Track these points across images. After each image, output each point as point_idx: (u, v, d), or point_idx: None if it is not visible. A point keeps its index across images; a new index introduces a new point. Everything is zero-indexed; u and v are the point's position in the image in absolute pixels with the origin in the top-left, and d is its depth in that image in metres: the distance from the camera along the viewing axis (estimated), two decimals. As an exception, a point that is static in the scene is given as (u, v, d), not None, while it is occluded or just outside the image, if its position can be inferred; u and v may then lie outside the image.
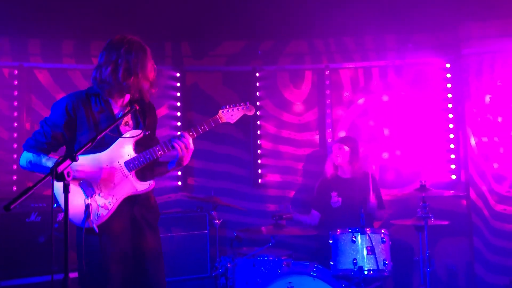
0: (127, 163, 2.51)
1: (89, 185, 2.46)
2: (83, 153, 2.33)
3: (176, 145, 2.53)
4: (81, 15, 4.33)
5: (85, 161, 2.45)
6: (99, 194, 2.46)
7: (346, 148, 4.38)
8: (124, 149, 2.51)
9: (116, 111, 2.57)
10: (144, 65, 2.49)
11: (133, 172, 2.52)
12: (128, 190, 2.51)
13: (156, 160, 2.62)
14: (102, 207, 2.45)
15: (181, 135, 2.56)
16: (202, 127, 2.60)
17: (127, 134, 2.51)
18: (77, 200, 2.44)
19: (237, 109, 2.71)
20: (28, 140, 2.52)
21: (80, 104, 2.50)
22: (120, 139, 2.49)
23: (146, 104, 2.65)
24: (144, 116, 2.60)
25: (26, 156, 2.50)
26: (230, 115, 2.69)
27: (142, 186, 2.53)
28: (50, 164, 2.40)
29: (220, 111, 2.68)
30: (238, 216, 4.80)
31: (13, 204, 1.67)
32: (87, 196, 2.45)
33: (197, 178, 5.02)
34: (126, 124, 2.58)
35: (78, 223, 2.42)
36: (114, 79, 2.44)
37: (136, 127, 2.59)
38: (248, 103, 2.75)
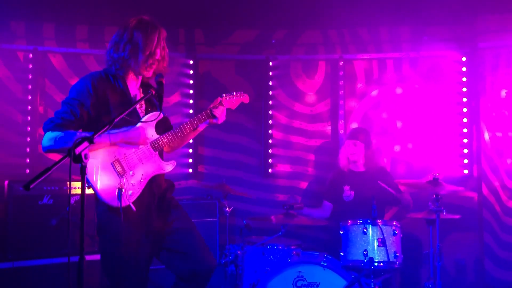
0: (152, 143, 2.60)
1: (119, 164, 2.51)
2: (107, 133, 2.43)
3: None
4: (95, 0, 4.33)
5: (122, 135, 2.53)
6: (130, 173, 2.53)
7: (360, 143, 4.34)
8: (147, 131, 2.60)
9: (132, 92, 2.63)
10: (150, 43, 2.52)
11: (157, 152, 2.63)
12: (155, 170, 2.62)
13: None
14: (133, 185, 2.52)
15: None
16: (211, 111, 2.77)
17: (146, 117, 2.59)
18: (110, 180, 2.47)
19: (236, 96, 2.95)
20: (54, 120, 2.45)
21: (102, 84, 2.55)
22: (141, 122, 2.57)
23: (162, 87, 2.66)
24: (160, 98, 2.60)
25: (53, 135, 2.40)
26: (231, 101, 2.91)
27: (167, 166, 2.67)
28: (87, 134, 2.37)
29: (223, 99, 2.88)
30: (248, 205, 4.81)
31: (33, 183, 1.69)
32: (119, 175, 2.49)
33: (208, 166, 5.03)
34: (141, 106, 2.65)
35: (112, 203, 2.45)
36: (118, 54, 2.52)
37: (150, 109, 2.66)
38: (241, 92, 3.00)
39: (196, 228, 2.79)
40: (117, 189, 2.44)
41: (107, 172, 2.47)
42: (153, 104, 2.67)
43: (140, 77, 2.65)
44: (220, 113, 2.77)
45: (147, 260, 2.60)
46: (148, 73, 2.59)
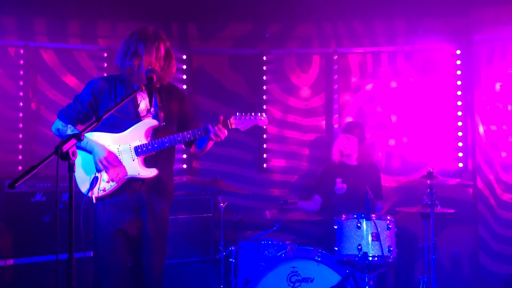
0: (136, 148, 2.70)
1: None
2: (103, 131, 2.69)
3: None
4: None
5: (100, 138, 2.69)
6: (106, 170, 2.67)
7: (354, 138, 4.32)
8: (137, 135, 2.71)
9: (139, 96, 2.76)
10: (149, 52, 2.67)
11: (142, 157, 2.71)
12: (131, 172, 2.70)
13: (167, 149, 2.78)
14: (106, 182, 2.66)
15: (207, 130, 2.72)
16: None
17: (142, 121, 2.72)
18: (88, 170, 2.69)
19: (249, 118, 2.80)
20: (60, 110, 2.83)
21: (106, 87, 2.75)
22: (136, 125, 2.70)
23: (173, 92, 2.85)
24: (150, 93, 2.74)
25: (57, 125, 2.80)
26: (241, 122, 2.79)
27: (144, 172, 2.71)
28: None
29: (232, 117, 2.79)
30: (243, 200, 4.79)
31: (18, 182, 1.66)
32: (96, 169, 2.67)
33: (202, 161, 5.00)
34: (148, 111, 2.76)
35: (82, 189, 2.67)
36: (124, 61, 2.69)
37: (156, 116, 2.77)
38: (263, 113, 2.85)
39: (161, 249, 2.81)
40: (90, 180, 2.62)
41: (89, 163, 2.68)
42: (158, 112, 2.77)
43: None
44: (215, 132, 2.69)
45: (126, 257, 2.71)
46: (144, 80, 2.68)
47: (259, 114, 2.82)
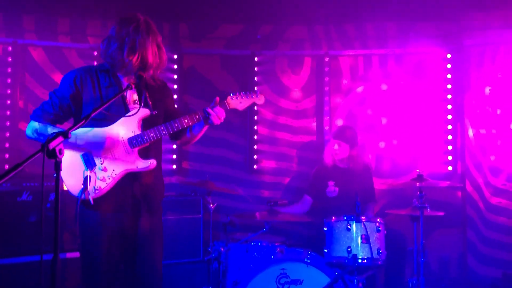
0: (130, 140, 2.52)
1: (90, 157, 2.48)
2: (88, 126, 2.42)
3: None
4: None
5: (89, 133, 2.48)
6: (99, 167, 2.47)
7: (345, 144, 4.31)
8: (128, 126, 2.52)
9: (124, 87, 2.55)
10: (146, 48, 2.46)
11: (136, 149, 2.53)
12: (127, 166, 2.51)
13: (157, 141, 2.61)
14: (101, 180, 2.46)
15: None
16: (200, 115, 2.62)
17: (132, 112, 2.51)
18: (77, 170, 2.46)
19: (247, 96, 2.70)
20: (35, 110, 2.55)
21: (88, 78, 2.54)
22: (126, 116, 2.51)
23: (157, 84, 2.66)
24: (139, 92, 2.54)
25: (32, 126, 2.53)
26: (238, 102, 2.68)
27: (143, 164, 2.53)
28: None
29: (228, 97, 2.66)
30: (232, 202, 4.77)
31: (2, 179, 1.62)
32: (87, 167, 2.47)
33: (192, 162, 4.97)
34: (135, 102, 2.58)
35: (75, 193, 2.45)
36: (118, 54, 2.46)
37: (144, 106, 2.55)
38: (258, 92, 2.76)
39: (159, 245, 2.65)
40: (82, 182, 2.41)
41: (75, 163, 2.46)
42: (147, 101, 2.58)
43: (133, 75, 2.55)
44: (216, 114, 2.58)
45: (118, 258, 2.53)
46: (132, 72, 2.51)
47: (254, 92, 2.72)
